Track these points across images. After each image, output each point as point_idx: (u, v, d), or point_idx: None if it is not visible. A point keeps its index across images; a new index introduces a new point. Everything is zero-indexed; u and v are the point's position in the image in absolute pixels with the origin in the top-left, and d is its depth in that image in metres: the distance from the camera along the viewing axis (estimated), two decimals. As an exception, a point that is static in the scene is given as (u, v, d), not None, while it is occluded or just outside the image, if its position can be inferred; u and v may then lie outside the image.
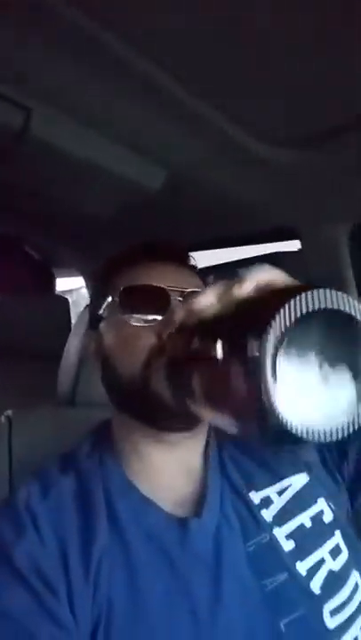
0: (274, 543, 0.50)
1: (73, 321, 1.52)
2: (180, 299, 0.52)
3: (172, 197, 0.83)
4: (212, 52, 0.50)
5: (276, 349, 0.26)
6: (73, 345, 0.87)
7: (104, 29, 0.46)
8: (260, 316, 0.27)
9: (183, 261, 0.60)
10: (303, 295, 0.26)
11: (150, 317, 0.52)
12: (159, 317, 0.52)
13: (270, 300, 0.30)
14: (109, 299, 0.56)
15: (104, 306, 0.58)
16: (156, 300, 0.52)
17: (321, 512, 0.54)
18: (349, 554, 0.52)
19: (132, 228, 1.03)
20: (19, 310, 1.43)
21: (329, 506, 0.55)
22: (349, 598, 0.49)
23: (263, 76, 0.53)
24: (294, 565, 0.49)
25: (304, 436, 0.26)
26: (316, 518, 0.53)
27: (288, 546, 0.50)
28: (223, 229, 1.08)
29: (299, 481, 0.56)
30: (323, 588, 0.49)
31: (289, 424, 0.26)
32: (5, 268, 1.64)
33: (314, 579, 0.49)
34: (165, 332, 0.49)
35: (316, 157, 0.69)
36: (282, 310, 0.26)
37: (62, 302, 1.55)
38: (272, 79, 0.54)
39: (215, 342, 0.31)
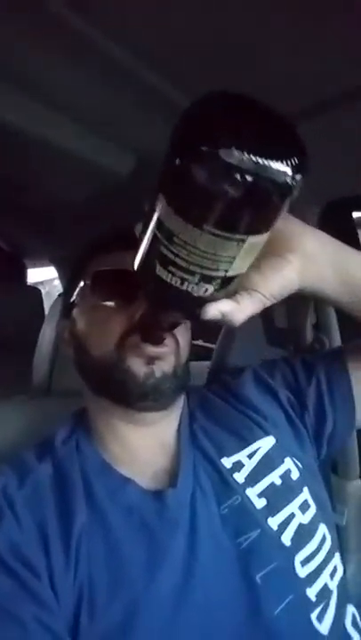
0: (246, 503, 0.53)
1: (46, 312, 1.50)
2: None
3: (143, 182, 0.82)
4: (184, 35, 0.49)
5: None
6: (47, 335, 0.86)
7: (73, 12, 0.45)
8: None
9: None
10: None
11: (120, 300, 0.54)
12: (129, 300, 0.53)
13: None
14: (81, 283, 0.58)
15: (76, 292, 0.59)
16: (126, 282, 0.52)
17: (289, 470, 0.57)
18: (317, 508, 0.56)
19: (103, 214, 1.02)
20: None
21: (295, 464, 0.59)
22: (318, 549, 0.53)
23: (229, 55, 0.53)
24: (266, 521, 0.52)
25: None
26: (285, 476, 0.57)
27: (260, 504, 0.54)
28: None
29: (267, 443, 0.59)
30: (293, 540, 0.52)
31: None
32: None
33: (285, 532, 0.52)
34: (137, 313, 0.51)
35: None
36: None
37: (35, 293, 1.53)
38: (244, 60, 0.53)
39: None
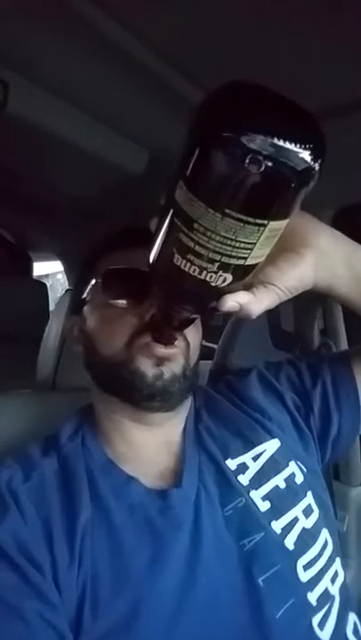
0: (250, 505, 0.53)
1: (51, 306, 1.50)
2: None
3: (155, 180, 0.82)
4: (200, 32, 0.49)
5: None
6: (53, 330, 0.86)
7: (87, 5, 0.45)
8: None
9: None
10: None
11: (132, 299, 0.53)
12: (141, 299, 0.53)
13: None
14: (92, 281, 0.57)
15: (87, 289, 0.59)
16: (138, 282, 0.52)
17: (293, 474, 0.57)
18: (320, 513, 0.56)
19: (112, 210, 1.02)
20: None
21: (300, 468, 0.58)
22: (320, 554, 0.53)
23: (246, 56, 0.52)
24: (270, 524, 0.52)
25: None
26: (290, 480, 0.57)
27: (264, 506, 0.53)
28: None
29: (272, 446, 0.59)
30: (296, 544, 0.52)
31: None
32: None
33: (288, 536, 0.52)
34: (148, 314, 0.51)
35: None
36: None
37: (40, 287, 1.53)
38: (256, 63, 0.53)
39: None
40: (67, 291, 0.89)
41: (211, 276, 0.34)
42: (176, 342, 0.51)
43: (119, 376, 0.53)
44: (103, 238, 0.63)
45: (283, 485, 0.56)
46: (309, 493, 0.57)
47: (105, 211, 1.05)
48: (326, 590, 0.51)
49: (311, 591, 0.50)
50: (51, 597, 0.43)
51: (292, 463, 0.58)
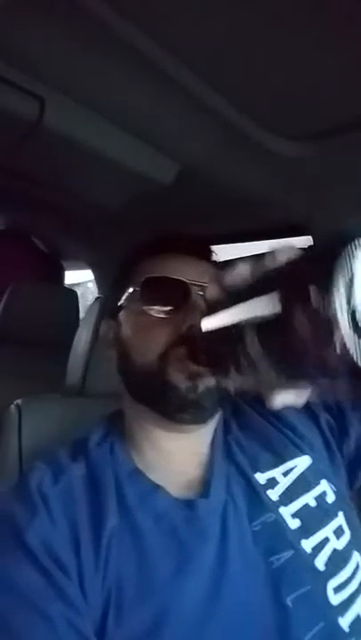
0: (280, 522, 0.52)
1: (81, 313, 1.54)
2: (201, 293, 0.52)
3: (184, 191, 0.83)
4: (227, 45, 0.49)
5: (349, 299, 0.24)
6: (82, 336, 0.88)
7: (118, 19, 0.46)
8: (322, 269, 0.25)
9: (204, 255, 0.60)
10: (356, 242, 0.24)
11: (170, 309, 0.53)
12: (179, 310, 0.52)
13: (319, 258, 0.28)
14: (130, 289, 0.57)
15: (125, 296, 0.58)
16: (177, 292, 0.52)
17: (324, 493, 0.56)
18: (351, 535, 0.54)
19: (142, 220, 1.03)
20: (29, 302, 1.44)
21: (331, 487, 0.57)
22: (351, 577, 0.51)
23: (276, 68, 0.53)
24: (299, 543, 0.50)
25: None
26: (320, 498, 0.55)
27: (294, 524, 0.52)
28: (234, 224, 1.08)
29: (303, 463, 0.58)
30: (327, 565, 0.50)
31: None
32: (17, 260, 1.65)
33: (318, 556, 0.50)
34: (185, 325, 0.50)
35: (329, 151, 0.69)
36: (342, 258, 0.24)
37: (71, 294, 1.57)
38: (285, 72, 0.53)
39: (270, 303, 0.27)
40: (97, 298, 0.91)
41: None
42: None
43: (151, 386, 0.52)
44: (140, 243, 0.62)
45: (313, 504, 0.54)
46: (341, 514, 0.55)
47: (135, 221, 1.07)
48: (359, 617, 0.49)
49: (342, 616, 0.48)
50: (76, 601, 0.43)
51: (323, 482, 0.57)
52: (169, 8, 0.45)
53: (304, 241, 0.99)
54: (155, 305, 0.54)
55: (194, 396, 0.51)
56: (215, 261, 0.61)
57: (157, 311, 0.53)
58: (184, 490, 0.54)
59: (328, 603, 0.48)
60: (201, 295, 0.51)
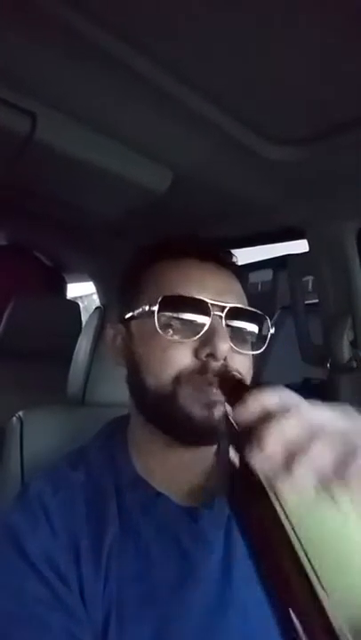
0: None
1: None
2: (221, 314, 0.49)
3: (180, 199, 0.84)
4: (216, 52, 0.50)
5: None
6: (83, 346, 0.88)
7: (106, 33, 0.47)
8: None
9: (223, 261, 0.56)
10: None
11: (188, 332, 0.49)
12: (197, 334, 0.49)
13: None
14: (146, 307, 0.52)
15: (138, 310, 0.53)
16: (197, 312, 0.49)
17: None
18: None
19: (141, 230, 1.04)
20: (32, 314, 1.46)
21: None
22: None
23: (266, 75, 0.54)
24: None
25: None
26: None
27: None
28: (230, 230, 1.08)
29: None
30: None
31: None
32: (20, 274, 1.67)
33: None
34: (203, 352, 0.48)
35: (322, 155, 0.69)
36: None
37: (74, 307, 1.58)
38: (275, 78, 0.54)
39: None
40: (96, 308, 0.92)
41: None
42: None
43: (164, 410, 0.50)
44: (155, 243, 0.58)
45: None
46: None
47: (133, 230, 1.08)
48: None
49: None
50: (77, 612, 0.43)
51: None
52: (157, 20, 0.46)
53: (299, 246, 0.99)
54: (172, 329, 0.50)
55: (209, 425, 0.48)
56: (233, 265, 0.58)
57: (174, 335, 0.49)
58: (187, 498, 0.53)
59: None
60: (220, 317, 0.49)
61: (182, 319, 0.50)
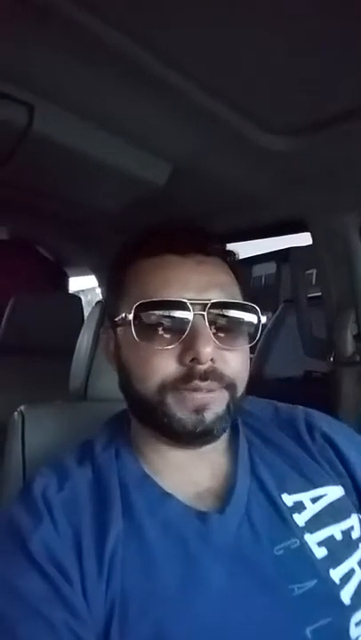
0: (305, 549, 0.49)
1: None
2: (203, 313, 0.47)
3: (180, 191, 0.83)
4: (215, 43, 0.49)
5: None
6: (84, 341, 0.88)
7: (104, 25, 0.47)
8: None
9: (206, 251, 0.53)
10: None
11: (168, 338, 0.48)
12: (178, 339, 0.47)
13: None
14: (124, 314, 0.50)
15: (120, 316, 0.52)
16: (176, 316, 0.48)
17: (352, 527, 0.53)
18: None
19: (140, 222, 1.04)
20: (34, 309, 1.45)
21: (360, 523, 0.54)
22: None
23: (265, 65, 0.53)
24: (328, 572, 0.48)
25: None
26: (347, 533, 0.52)
27: (320, 553, 0.49)
28: (232, 222, 1.07)
29: (334, 492, 0.54)
30: (353, 598, 0.47)
31: None
32: (21, 269, 1.67)
33: (345, 587, 0.48)
34: (187, 358, 0.47)
35: (322, 146, 0.68)
36: None
37: (75, 301, 1.57)
38: (274, 68, 0.53)
39: None
40: (97, 302, 0.91)
41: None
42: (218, 384, 0.48)
43: (154, 416, 0.49)
44: (133, 241, 0.56)
45: (339, 537, 0.51)
46: None
47: (133, 224, 1.07)
48: None
49: None
50: (79, 610, 0.43)
51: (354, 516, 0.53)
52: (155, 12, 0.45)
53: (302, 238, 0.98)
54: (150, 339, 0.48)
55: (202, 427, 0.48)
56: (221, 252, 0.55)
57: (153, 343, 0.48)
58: (197, 499, 0.51)
59: (349, 637, 0.45)
60: (202, 315, 0.47)
61: (162, 324, 0.48)
